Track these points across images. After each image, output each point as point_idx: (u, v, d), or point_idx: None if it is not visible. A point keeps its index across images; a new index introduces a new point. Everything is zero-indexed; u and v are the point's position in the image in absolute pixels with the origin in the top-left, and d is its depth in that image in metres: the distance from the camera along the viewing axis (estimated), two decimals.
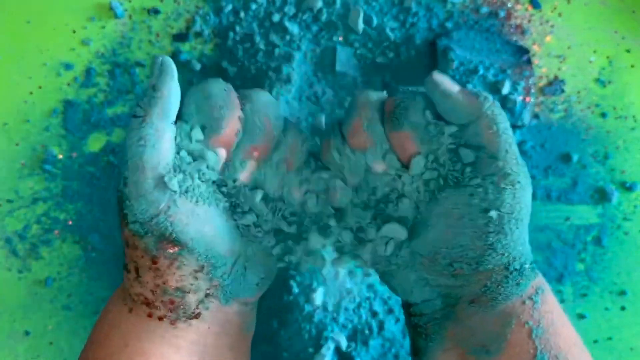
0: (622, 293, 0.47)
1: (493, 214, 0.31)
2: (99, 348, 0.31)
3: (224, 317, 0.33)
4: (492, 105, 0.32)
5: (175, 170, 0.31)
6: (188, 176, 0.31)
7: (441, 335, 0.33)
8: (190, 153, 0.32)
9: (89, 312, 0.46)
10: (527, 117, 0.43)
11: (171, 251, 0.30)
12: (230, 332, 0.33)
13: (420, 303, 0.34)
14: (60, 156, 0.45)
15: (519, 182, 0.32)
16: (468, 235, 0.32)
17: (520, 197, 0.32)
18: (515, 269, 0.32)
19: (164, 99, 0.31)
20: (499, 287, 0.32)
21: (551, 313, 0.32)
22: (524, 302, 0.32)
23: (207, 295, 0.31)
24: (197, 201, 0.31)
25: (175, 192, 0.31)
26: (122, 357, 0.30)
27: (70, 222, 0.45)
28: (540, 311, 0.32)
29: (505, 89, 0.42)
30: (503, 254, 0.32)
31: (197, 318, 0.31)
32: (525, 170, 0.33)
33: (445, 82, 0.33)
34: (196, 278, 0.31)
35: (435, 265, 0.32)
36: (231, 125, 0.32)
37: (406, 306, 0.35)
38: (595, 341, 0.47)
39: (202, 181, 0.32)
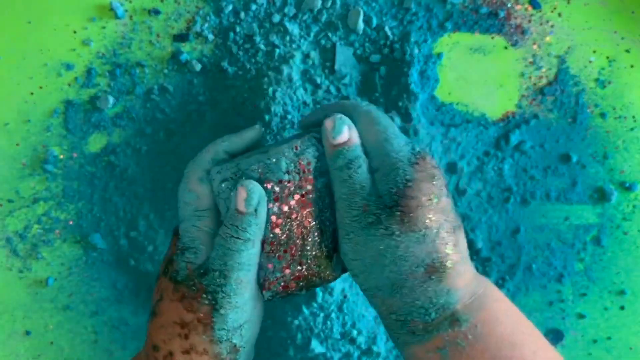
0: (622, 293, 0.47)
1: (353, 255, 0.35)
2: None
3: None
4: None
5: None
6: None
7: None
8: None
9: (89, 311, 0.46)
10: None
11: (236, 355, 0.34)
12: None
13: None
14: (61, 156, 0.45)
15: (352, 232, 0.34)
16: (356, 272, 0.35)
17: (360, 246, 0.34)
18: (400, 321, 0.33)
19: (264, 223, 0.34)
20: (392, 331, 0.34)
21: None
22: (427, 353, 0.32)
23: None
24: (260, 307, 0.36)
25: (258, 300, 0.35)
26: None
27: (70, 222, 0.46)
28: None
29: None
30: (381, 299, 0.34)
31: None
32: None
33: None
34: None
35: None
36: None
37: None
38: (595, 341, 0.47)
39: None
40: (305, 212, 0.35)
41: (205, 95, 0.45)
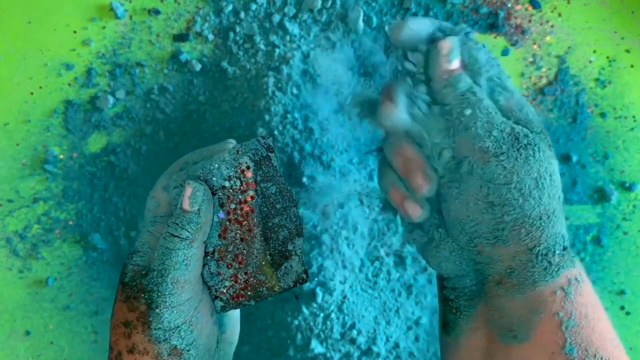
0: (622, 293, 0.47)
1: (485, 187, 0.31)
2: None
3: None
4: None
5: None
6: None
7: (471, 312, 0.34)
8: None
9: (89, 311, 0.46)
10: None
11: (179, 358, 0.33)
12: None
13: (453, 277, 0.34)
14: (61, 156, 0.45)
15: (503, 152, 0.31)
16: (477, 209, 0.32)
17: (517, 168, 0.31)
18: (541, 254, 0.32)
19: (207, 224, 0.34)
20: (524, 271, 0.32)
21: (586, 306, 0.32)
22: (555, 292, 0.31)
23: None
24: (210, 310, 0.35)
25: (200, 303, 0.34)
26: None
27: (70, 222, 0.46)
28: (573, 303, 0.31)
29: None
30: (520, 230, 0.31)
31: None
32: (525, 134, 0.31)
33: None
34: None
35: (459, 240, 0.33)
36: None
37: (440, 279, 0.36)
38: None
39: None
40: (248, 218, 0.34)
41: (205, 95, 0.45)
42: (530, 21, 0.45)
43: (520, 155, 0.31)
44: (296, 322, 0.44)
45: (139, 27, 0.44)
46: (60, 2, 0.44)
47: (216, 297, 0.35)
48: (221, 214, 0.34)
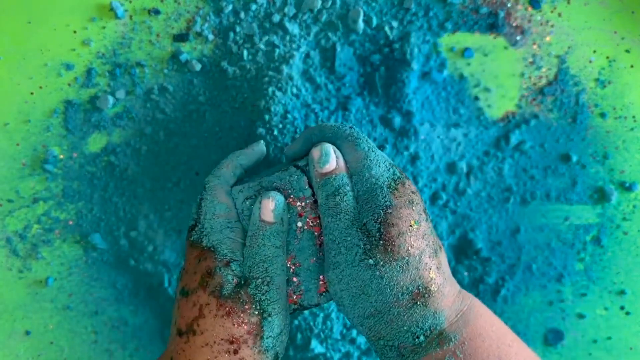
0: (622, 293, 0.47)
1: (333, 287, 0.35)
2: None
3: None
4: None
5: None
6: None
7: None
8: None
9: (89, 311, 0.46)
10: None
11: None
12: None
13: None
14: (61, 156, 0.45)
15: (337, 263, 0.34)
16: (348, 296, 0.35)
17: (347, 275, 0.34)
18: (388, 346, 0.34)
19: (286, 232, 0.36)
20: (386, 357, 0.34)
21: None
22: None
23: None
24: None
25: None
26: None
27: (70, 222, 0.46)
28: None
29: None
30: (359, 326, 0.34)
31: None
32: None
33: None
34: None
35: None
36: None
37: None
38: (595, 341, 0.47)
39: None
40: (319, 230, 0.36)
41: (205, 95, 0.45)
42: (530, 21, 0.45)
43: (349, 265, 0.34)
44: (296, 322, 0.44)
45: (139, 27, 0.44)
46: (60, 2, 0.44)
47: (292, 301, 0.36)
48: (300, 223, 0.36)
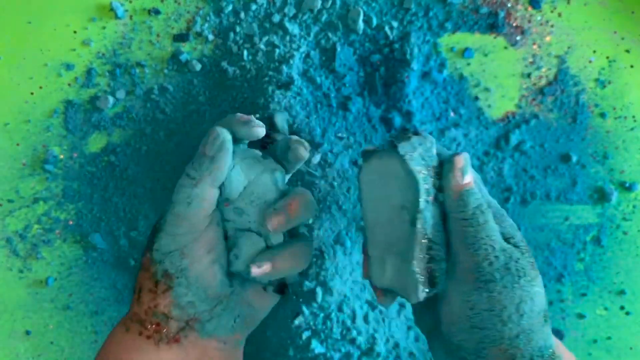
0: (621, 293, 0.47)
1: (468, 309, 0.33)
2: None
3: (202, 349, 0.36)
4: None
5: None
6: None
7: None
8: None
9: (89, 311, 0.46)
10: None
11: (170, 282, 0.35)
12: None
13: None
14: (61, 156, 0.45)
15: (494, 281, 0.32)
16: (461, 327, 0.33)
17: (502, 296, 0.32)
18: None
19: (219, 170, 0.35)
20: None
21: None
22: None
23: (187, 325, 0.36)
24: (209, 250, 0.36)
25: (198, 239, 0.36)
26: None
27: (70, 222, 0.46)
28: None
29: None
30: (497, 349, 0.32)
31: (177, 342, 0.36)
32: (515, 266, 0.33)
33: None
34: (181, 309, 0.35)
35: (450, 344, 0.34)
36: None
37: None
38: (595, 341, 0.47)
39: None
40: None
41: (205, 95, 0.45)
42: (530, 21, 0.45)
43: (508, 283, 0.32)
44: (296, 322, 0.44)
45: (139, 27, 0.44)
46: (61, 2, 0.44)
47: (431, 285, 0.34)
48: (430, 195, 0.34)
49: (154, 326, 0.35)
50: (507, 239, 0.34)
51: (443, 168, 0.34)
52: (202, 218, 0.36)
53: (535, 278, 0.33)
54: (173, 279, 0.35)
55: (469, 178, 0.34)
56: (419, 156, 0.33)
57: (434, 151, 0.34)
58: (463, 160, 0.34)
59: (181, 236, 0.35)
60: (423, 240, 0.33)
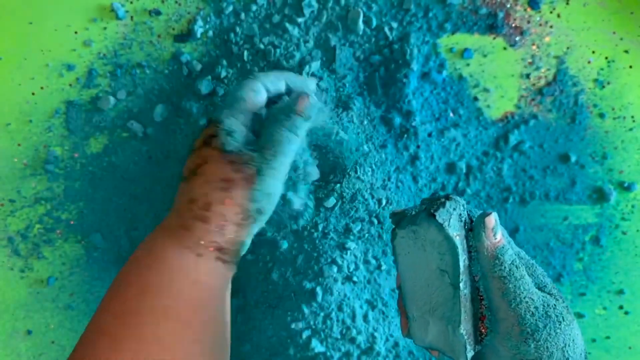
0: (620, 292, 0.47)
1: None
2: (164, 288, 0.37)
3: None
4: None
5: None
6: None
7: None
8: None
9: (90, 311, 0.46)
10: None
11: (259, 216, 0.38)
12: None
13: None
14: (63, 156, 0.45)
15: (538, 330, 0.34)
16: None
17: (548, 343, 0.34)
18: None
19: (273, 75, 0.39)
20: None
21: None
22: None
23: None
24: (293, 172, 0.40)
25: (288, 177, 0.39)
26: (193, 290, 0.37)
27: (72, 222, 0.46)
28: None
29: None
30: None
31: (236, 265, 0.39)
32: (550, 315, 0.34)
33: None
34: (251, 237, 0.39)
35: None
36: None
37: None
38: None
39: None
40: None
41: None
42: (529, 22, 0.45)
43: (551, 330, 0.34)
44: (293, 325, 0.44)
45: (140, 28, 0.45)
46: (62, 3, 0.44)
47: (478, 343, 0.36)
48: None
49: (234, 252, 0.38)
50: (540, 288, 0.36)
51: (474, 228, 0.36)
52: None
53: (573, 321, 0.35)
54: (263, 214, 0.38)
55: (499, 236, 0.35)
56: (455, 221, 0.35)
57: (466, 213, 0.36)
58: (494, 220, 0.35)
59: (280, 181, 0.37)
60: (467, 303, 0.35)
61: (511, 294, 0.34)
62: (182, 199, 0.38)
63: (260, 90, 0.38)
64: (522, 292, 0.34)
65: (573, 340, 0.34)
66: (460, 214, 0.35)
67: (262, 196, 0.37)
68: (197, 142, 0.40)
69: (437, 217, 0.34)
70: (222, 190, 0.37)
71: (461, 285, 0.34)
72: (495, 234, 0.35)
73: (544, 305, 0.34)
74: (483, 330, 0.35)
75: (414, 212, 0.36)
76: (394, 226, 0.37)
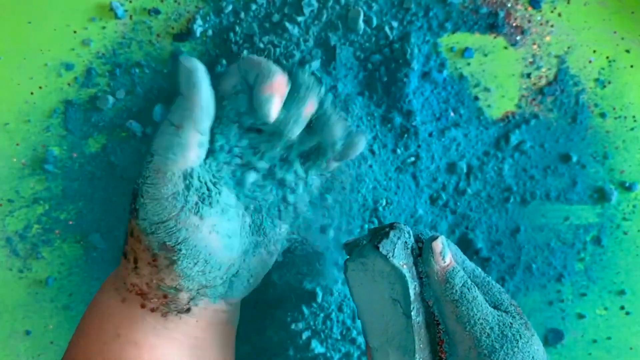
0: (622, 293, 0.47)
1: None
2: (90, 339, 0.32)
3: (212, 313, 0.34)
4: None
5: (195, 177, 0.32)
6: (210, 182, 0.32)
7: None
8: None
9: None
10: None
11: (172, 255, 0.31)
12: (218, 327, 0.35)
13: None
14: (61, 156, 0.45)
15: (495, 351, 0.33)
16: None
17: None
18: None
19: (197, 110, 0.31)
20: None
21: None
22: None
23: (198, 293, 0.33)
24: (209, 205, 0.32)
25: (189, 202, 0.31)
26: (115, 347, 0.31)
27: (70, 222, 0.46)
28: None
29: None
30: None
31: (187, 313, 0.33)
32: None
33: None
34: (191, 279, 0.32)
35: None
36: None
37: None
38: (595, 341, 0.47)
39: (228, 177, 0.34)
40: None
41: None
42: (530, 21, 0.45)
43: (508, 349, 0.33)
44: (296, 322, 0.44)
45: (139, 27, 0.44)
46: (60, 2, 0.44)
47: None
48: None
49: (160, 299, 0.32)
50: (497, 307, 0.35)
51: (423, 254, 0.35)
52: (187, 170, 0.31)
53: (532, 337, 0.34)
54: (174, 252, 0.31)
55: (449, 259, 0.34)
56: (400, 250, 0.34)
57: (412, 239, 0.35)
58: (440, 244, 0.34)
59: (169, 200, 0.30)
60: (421, 331, 0.34)
61: (465, 316, 0.33)
62: None
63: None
64: (476, 314, 0.33)
65: (532, 357, 0.33)
66: (405, 242, 0.35)
67: (152, 227, 0.30)
68: None
69: (381, 249, 0.34)
70: (129, 222, 0.32)
71: (413, 313, 0.34)
72: (444, 257, 0.34)
73: (499, 325, 0.33)
74: (442, 356, 0.35)
75: (364, 242, 0.36)
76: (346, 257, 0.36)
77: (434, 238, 0.35)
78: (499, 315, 0.34)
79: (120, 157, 0.45)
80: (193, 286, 0.32)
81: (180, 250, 0.31)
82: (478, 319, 0.33)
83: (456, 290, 0.34)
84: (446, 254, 0.34)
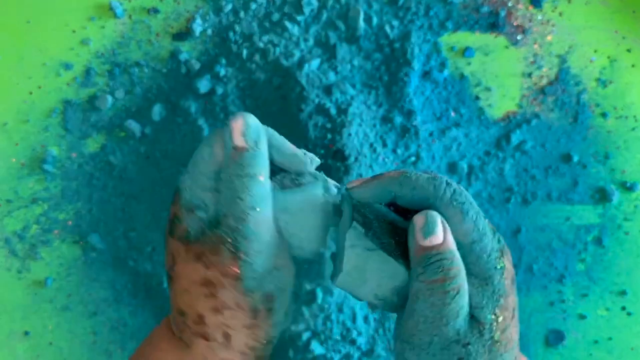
0: (623, 293, 0.47)
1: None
2: None
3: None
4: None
5: None
6: None
7: None
8: None
9: (88, 312, 0.46)
10: None
11: (270, 304, 0.30)
12: None
13: None
14: (60, 156, 0.45)
15: (467, 343, 0.28)
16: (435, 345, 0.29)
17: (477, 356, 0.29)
18: None
19: (264, 157, 0.30)
20: None
21: None
22: None
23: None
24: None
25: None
26: None
27: (69, 222, 0.45)
28: None
29: None
30: None
31: None
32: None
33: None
34: (281, 325, 0.32)
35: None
36: None
37: None
38: (596, 341, 0.47)
39: None
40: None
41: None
42: (531, 20, 0.45)
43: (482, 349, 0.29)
44: (292, 327, 0.44)
45: (138, 26, 0.44)
46: (60, 1, 0.44)
47: None
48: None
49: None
50: (472, 314, 0.29)
51: (409, 225, 0.30)
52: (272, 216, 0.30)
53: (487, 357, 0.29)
54: (274, 298, 0.30)
55: (435, 239, 0.28)
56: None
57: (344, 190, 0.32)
58: (424, 218, 0.29)
59: (270, 247, 0.30)
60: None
61: (421, 315, 0.28)
62: (173, 304, 0.32)
63: (216, 148, 0.30)
64: (439, 316, 0.28)
65: None
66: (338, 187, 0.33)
67: (258, 282, 0.29)
68: (167, 227, 0.33)
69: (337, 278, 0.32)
70: (208, 297, 0.29)
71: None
72: (426, 236, 0.29)
73: (455, 342, 0.29)
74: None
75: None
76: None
77: (420, 213, 0.29)
78: (464, 327, 0.29)
79: (119, 157, 0.45)
80: (278, 332, 0.31)
81: (278, 296, 0.30)
82: (428, 316, 0.28)
83: (426, 277, 0.28)
84: (431, 232, 0.28)
